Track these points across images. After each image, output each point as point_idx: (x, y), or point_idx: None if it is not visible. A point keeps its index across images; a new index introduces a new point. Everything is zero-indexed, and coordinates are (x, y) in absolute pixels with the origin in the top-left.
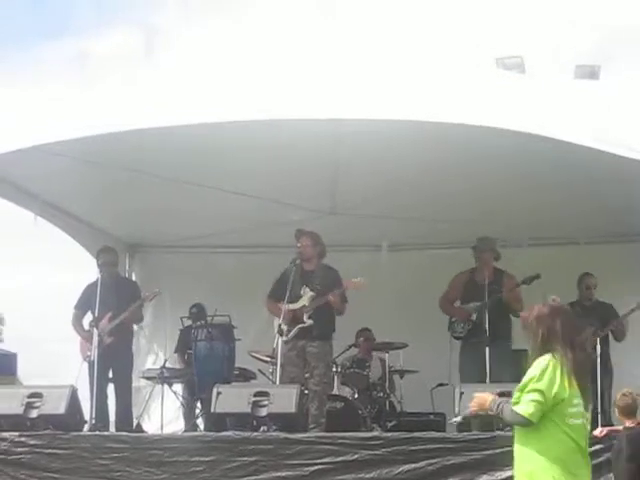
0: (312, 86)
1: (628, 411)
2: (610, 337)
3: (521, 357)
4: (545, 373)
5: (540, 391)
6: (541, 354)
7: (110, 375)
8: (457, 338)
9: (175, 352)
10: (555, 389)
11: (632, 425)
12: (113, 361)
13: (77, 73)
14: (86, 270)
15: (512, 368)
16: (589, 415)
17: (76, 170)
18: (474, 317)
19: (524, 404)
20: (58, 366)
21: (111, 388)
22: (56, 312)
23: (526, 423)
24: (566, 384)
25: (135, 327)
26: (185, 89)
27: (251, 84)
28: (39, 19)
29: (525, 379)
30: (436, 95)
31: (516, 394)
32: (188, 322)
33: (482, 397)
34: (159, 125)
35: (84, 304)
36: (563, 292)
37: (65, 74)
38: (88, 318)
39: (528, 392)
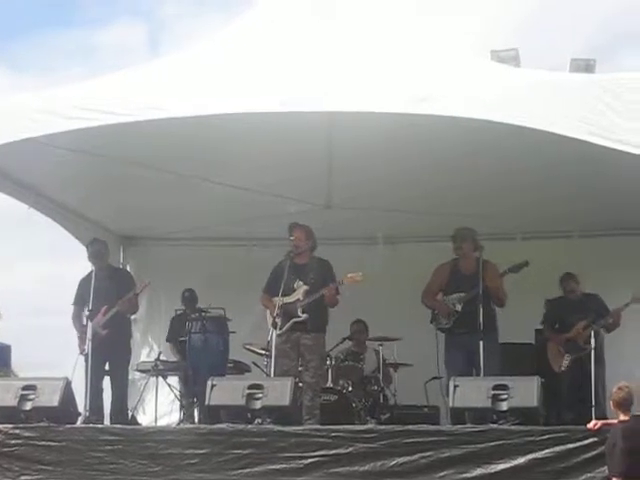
0: (307, 79)
1: (623, 404)
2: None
3: (507, 350)
4: None
5: None
6: None
7: (106, 368)
8: (442, 330)
9: (167, 341)
10: None
11: (627, 418)
12: (109, 354)
13: (81, 64)
14: (82, 261)
15: (500, 360)
16: None
17: (69, 162)
18: (459, 308)
19: None
20: (54, 359)
21: (106, 381)
22: (52, 304)
23: None
24: None
25: (132, 318)
26: (180, 82)
27: (246, 77)
28: (45, 8)
29: None
30: (430, 88)
31: None
32: (180, 310)
33: None
34: (152, 117)
35: (80, 298)
36: (555, 285)
37: (70, 64)
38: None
39: None
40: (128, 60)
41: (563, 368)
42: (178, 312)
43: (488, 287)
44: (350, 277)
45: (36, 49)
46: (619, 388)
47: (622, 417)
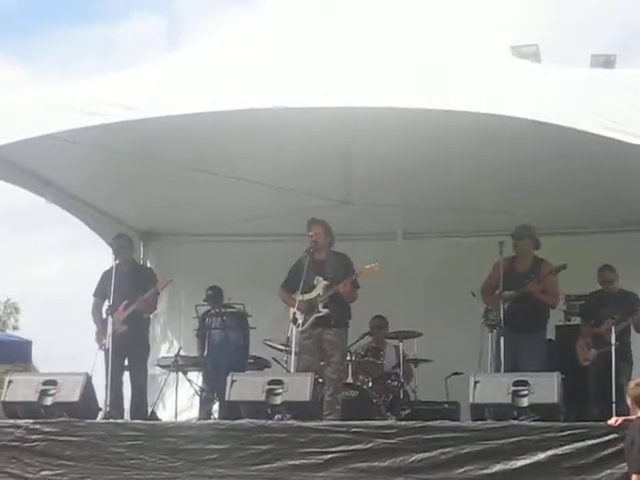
0: (324, 74)
1: None
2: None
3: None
4: None
5: None
6: None
7: (126, 363)
8: (489, 326)
9: (196, 336)
10: None
11: None
12: (129, 349)
13: (100, 58)
14: (101, 257)
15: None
16: None
17: (91, 158)
18: (505, 306)
19: None
20: (75, 354)
21: (126, 376)
22: (73, 299)
23: None
24: None
25: (150, 316)
26: (201, 78)
27: (266, 73)
28: (63, 2)
29: None
30: (450, 82)
31: None
32: (206, 307)
33: None
34: (174, 113)
35: (102, 291)
36: (578, 282)
37: (88, 59)
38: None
39: None
40: (146, 54)
41: (588, 362)
42: (206, 308)
43: (531, 288)
44: (367, 269)
45: (54, 44)
46: (637, 384)
47: None
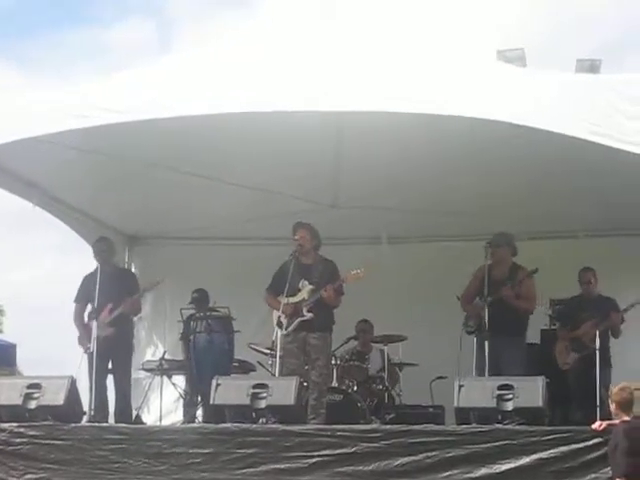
0: (314, 78)
1: (625, 405)
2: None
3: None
4: None
5: None
6: None
7: (110, 366)
8: (468, 333)
9: (180, 339)
10: None
11: (628, 419)
12: (113, 352)
13: (92, 62)
14: (91, 260)
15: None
16: None
17: (75, 161)
18: (484, 312)
19: None
20: (59, 357)
21: (111, 379)
22: (59, 302)
23: None
24: None
25: (135, 319)
26: (188, 81)
27: (254, 76)
28: (56, 7)
29: None
30: (438, 87)
31: None
32: (191, 310)
33: None
34: (160, 116)
35: (83, 296)
36: (563, 286)
37: (81, 62)
38: (89, 310)
39: None
40: (139, 58)
41: (567, 366)
42: (190, 312)
43: (505, 294)
44: (353, 274)
45: (47, 47)
46: (620, 389)
47: (624, 417)
